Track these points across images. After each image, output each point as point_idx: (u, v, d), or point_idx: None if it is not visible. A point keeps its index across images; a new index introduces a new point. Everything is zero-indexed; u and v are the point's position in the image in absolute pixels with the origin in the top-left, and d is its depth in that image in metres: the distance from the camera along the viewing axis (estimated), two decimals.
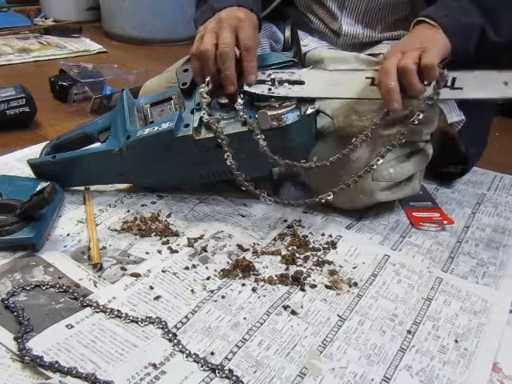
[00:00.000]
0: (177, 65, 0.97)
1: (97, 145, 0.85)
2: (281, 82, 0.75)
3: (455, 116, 0.89)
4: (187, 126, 0.75)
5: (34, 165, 0.84)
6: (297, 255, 0.74)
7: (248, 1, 0.80)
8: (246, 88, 0.75)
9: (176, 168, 0.81)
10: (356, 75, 0.74)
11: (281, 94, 0.74)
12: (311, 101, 0.75)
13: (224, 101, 0.76)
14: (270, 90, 0.75)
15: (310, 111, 0.74)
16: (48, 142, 0.88)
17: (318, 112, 0.82)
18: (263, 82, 0.76)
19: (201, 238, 0.77)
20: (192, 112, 0.77)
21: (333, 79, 0.75)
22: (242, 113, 0.73)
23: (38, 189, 0.75)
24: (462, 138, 0.92)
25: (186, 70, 0.80)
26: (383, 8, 0.88)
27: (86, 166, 0.82)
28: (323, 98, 0.76)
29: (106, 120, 0.86)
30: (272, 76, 0.75)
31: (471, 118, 0.90)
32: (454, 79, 0.70)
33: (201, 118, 0.75)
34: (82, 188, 0.86)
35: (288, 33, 0.94)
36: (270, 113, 0.72)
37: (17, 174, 0.90)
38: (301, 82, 0.75)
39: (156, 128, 0.76)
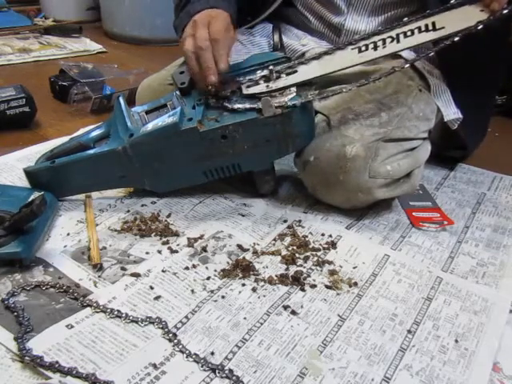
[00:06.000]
0: (174, 64, 0.98)
1: None
2: (277, 77, 0.78)
3: (452, 114, 0.90)
4: (190, 119, 0.76)
5: (30, 173, 0.81)
6: (297, 255, 0.74)
7: (222, 4, 0.81)
8: (244, 91, 0.78)
9: (179, 166, 0.81)
10: (342, 50, 0.79)
11: (279, 86, 0.77)
12: (310, 87, 0.77)
13: (225, 94, 0.78)
14: (267, 86, 0.77)
15: (310, 96, 0.76)
16: (42, 154, 0.85)
17: (316, 113, 0.83)
18: (258, 82, 0.79)
19: (201, 237, 0.77)
20: (193, 107, 0.78)
21: (323, 60, 0.79)
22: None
23: (30, 199, 0.71)
24: (462, 129, 0.93)
25: (182, 72, 0.82)
26: (392, 3, 0.88)
27: (86, 170, 0.81)
28: (318, 76, 0.78)
29: (101, 129, 0.84)
30: (267, 75, 0.79)
31: (469, 113, 0.90)
32: (433, 23, 0.73)
33: (203, 111, 0.77)
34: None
35: (276, 37, 0.97)
36: (272, 100, 0.74)
37: (17, 174, 0.90)
38: (294, 72, 0.79)
39: (160, 123, 0.77)
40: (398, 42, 0.75)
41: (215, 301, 0.65)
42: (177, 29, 0.87)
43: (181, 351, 0.57)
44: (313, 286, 0.69)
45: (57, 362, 0.53)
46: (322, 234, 0.80)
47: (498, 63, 0.94)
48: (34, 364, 0.53)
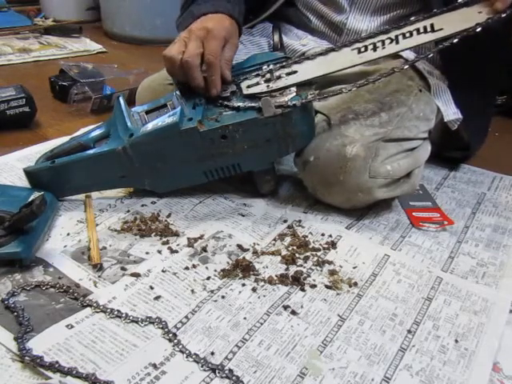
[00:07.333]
0: None
1: None
2: (277, 77, 0.79)
3: (452, 114, 0.90)
4: (190, 119, 0.76)
5: (30, 173, 0.81)
6: (297, 255, 0.74)
7: (226, 6, 0.81)
8: (244, 92, 0.79)
9: (179, 166, 0.81)
10: (342, 50, 0.79)
11: (279, 86, 0.77)
12: (310, 87, 0.78)
13: (225, 94, 0.78)
14: (268, 86, 0.78)
15: (310, 96, 0.76)
16: (42, 154, 0.85)
17: (316, 112, 0.83)
18: (258, 82, 0.79)
19: (201, 237, 0.77)
20: (193, 107, 0.78)
21: (323, 60, 0.80)
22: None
23: (30, 199, 0.71)
24: (464, 130, 0.93)
25: None
26: (394, 3, 0.88)
27: (86, 170, 0.81)
28: (318, 76, 0.78)
29: (101, 129, 0.84)
30: (267, 75, 0.79)
31: (470, 114, 0.90)
32: (432, 24, 0.74)
33: (203, 111, 0.77)
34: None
35: (276, 37, 0.98)
36: (272, 100, 0.75)
37: (17, 174, 0.90)
38: (294, 72, 0.79)
39: (160, 123, 0.77)
40: (397, 43, 0.75)
41: (215, 301, 0.65)
42: (178, 28, 0.87)
43: (181, 351, 0.57)
44: (313, 286, 0.69)
45: (57, 362, 0.53)
46: (322, 234, 0.80)
47: (499, 63, 0.94)
48: (34, 364, 0.53)
